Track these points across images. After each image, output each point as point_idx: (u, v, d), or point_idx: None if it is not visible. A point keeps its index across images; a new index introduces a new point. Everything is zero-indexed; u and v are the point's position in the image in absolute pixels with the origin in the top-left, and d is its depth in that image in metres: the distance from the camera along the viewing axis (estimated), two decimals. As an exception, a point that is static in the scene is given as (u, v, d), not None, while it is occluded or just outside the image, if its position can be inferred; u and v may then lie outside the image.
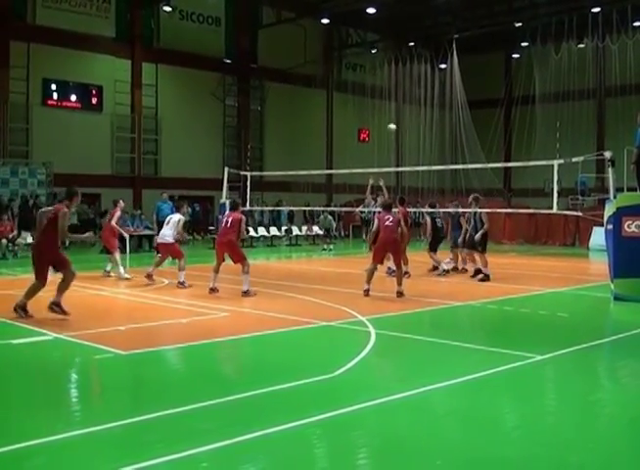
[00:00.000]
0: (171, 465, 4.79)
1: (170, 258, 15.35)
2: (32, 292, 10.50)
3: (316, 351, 8.52)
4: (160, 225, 16.38)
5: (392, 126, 13.90)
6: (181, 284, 14.33)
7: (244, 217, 13.76)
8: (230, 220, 13.39)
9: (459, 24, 35.21)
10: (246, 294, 12.95)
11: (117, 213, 16.32)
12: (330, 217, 28.29)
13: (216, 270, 13.33)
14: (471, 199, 16.76)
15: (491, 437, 5.55)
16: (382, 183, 17.70)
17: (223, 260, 13.52)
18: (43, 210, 11.83)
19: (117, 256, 16.02)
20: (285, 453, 5.11)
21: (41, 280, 10.43)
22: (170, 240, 14.85)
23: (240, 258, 13.33)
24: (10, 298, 12.77)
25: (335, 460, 5.07)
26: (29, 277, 16.87)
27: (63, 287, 10.47)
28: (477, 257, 16.39)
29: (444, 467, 4.86)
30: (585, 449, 5.29)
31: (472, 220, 16.39)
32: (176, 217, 14.98)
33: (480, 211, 16.19)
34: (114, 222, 16.15)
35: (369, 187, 17.66)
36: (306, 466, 4.93)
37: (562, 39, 33.27)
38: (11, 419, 5.91)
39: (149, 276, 14.87)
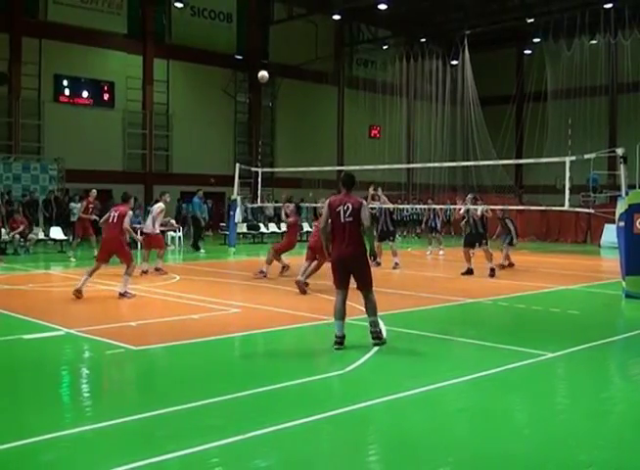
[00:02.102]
0: (182, 461, 4.81)
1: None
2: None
3: (327, 347, 8.52)
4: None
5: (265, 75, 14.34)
6: (157, 270, 15.45)
7: (130, 212, 12.42)
8: (117, 215, 12.08)
9: (471, 20, 35.02)
10: (123, 296, 11.90)
11: (84, 203, 18.87)
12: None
13: (90, 273, 12.09)
14: (470, 199, 16.92)
15: (502, 434, 5.54)
16: (379, 192, 18.47)
17: (106, 262, 12.33)
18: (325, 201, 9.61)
19: (77, 241, 19.21)
20: (295, 449, 5.12)
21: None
22: (148, 230, 15.74)
23: (127, 258, 12.17)
24: (21, 293, 12.86)
25: (345, 456, 5.07)
26: (41, 273, 17.10)
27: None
28: (471, 254, 16.56)
29: (455, 464, 4.86)
30: (596, 447, 5.27)
31: (471, 219, 16.45)
32: (155, 207, 15.47)
33: (472, 207, 16.46)
34: (81, 212, 18.70)
35: (369, 197, 17.94)
36: (317, 462, 4.94)
37: (574, 35, 33.08)
38: (22, 414, 5.94)
39: (157, 269, 15.73)
